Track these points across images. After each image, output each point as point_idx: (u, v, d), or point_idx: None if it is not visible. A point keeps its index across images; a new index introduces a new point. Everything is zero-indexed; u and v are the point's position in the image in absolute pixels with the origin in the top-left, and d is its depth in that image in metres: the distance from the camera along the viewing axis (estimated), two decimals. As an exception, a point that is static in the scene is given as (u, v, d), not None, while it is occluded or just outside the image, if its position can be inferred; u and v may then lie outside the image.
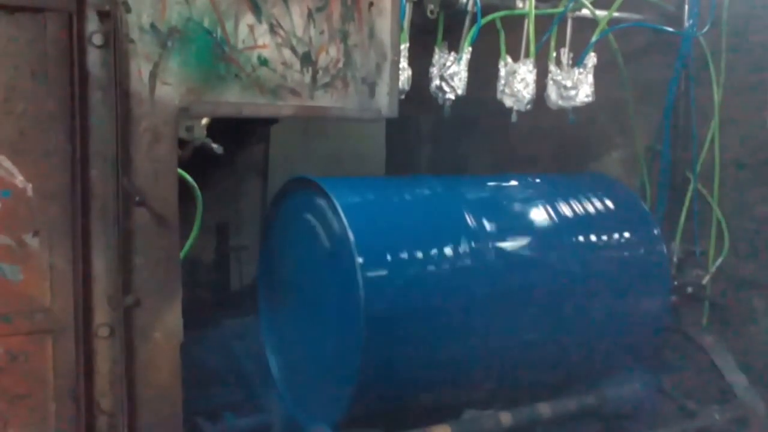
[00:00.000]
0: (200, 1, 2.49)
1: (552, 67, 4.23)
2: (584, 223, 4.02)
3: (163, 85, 2.45)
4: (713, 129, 4.38)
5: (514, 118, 4.19)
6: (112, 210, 2.37)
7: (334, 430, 3.44)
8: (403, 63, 3.81)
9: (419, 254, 3.52)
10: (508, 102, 4.17)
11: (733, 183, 4.36)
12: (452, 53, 4.06)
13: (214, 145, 3.12)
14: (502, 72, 4.17)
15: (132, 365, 2.48)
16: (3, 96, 2.21)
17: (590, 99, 4.21)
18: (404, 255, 3.49)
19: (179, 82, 2.48)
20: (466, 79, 4.03)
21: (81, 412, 2.39)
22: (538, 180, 4.27)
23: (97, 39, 2.30)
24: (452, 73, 4.01)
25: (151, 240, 2.48)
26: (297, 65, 2.72)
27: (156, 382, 2.54)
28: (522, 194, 4.16)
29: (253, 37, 2.61)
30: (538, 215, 3.96)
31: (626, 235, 4.10)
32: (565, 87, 4.20)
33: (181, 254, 2.66)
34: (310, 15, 2.72)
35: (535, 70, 4.11)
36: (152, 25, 2.40)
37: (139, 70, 2.40)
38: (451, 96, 4.04)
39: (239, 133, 4.94)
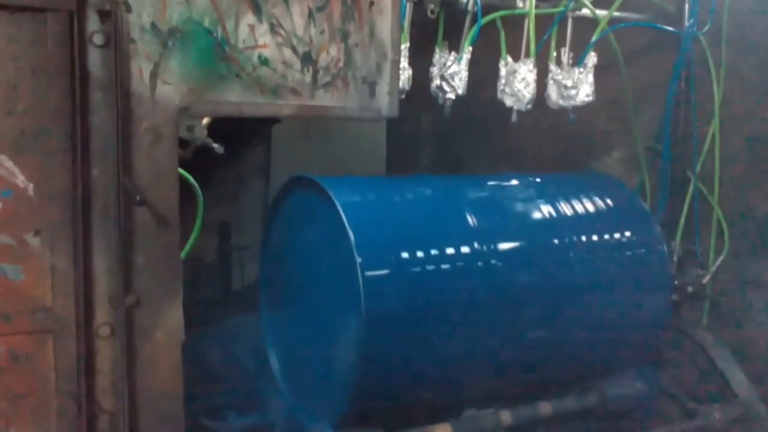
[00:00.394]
0: (201, 1, 2.49)
1: (552, 67, 4.23)
2: (585, 222, 4.02)
3: (163, 84, 2.45)
4: (713, 128, 4.38)
5: (514, 117, 4.19)
6: (113, 210, 2.38)
7: (335, 429, 3.45)
8: (404, 63, 3.81)
9: (419, 253, 3.52)
10: (509, 101, 4.17)
11: (733, 182, 4.36)
12: (453, 53, 4.06)
13: (215, 145, 3.13)
14: (503, 71, 4.18)
15: (133, 364, 2.49)
16: (4, 96, 2.22)
17: (590, 98, 4.21)
18: (404, 254, 3.49)
19: (180, 81, 2.48)
20: (466, 79, 4.03)
21: (82, 411, 2.39)
22: (538, 179, 4.27)
23: (98, 39, 2.31)
24: (453, 72, 4.01)
25: (152, 239, 2.49)
26: (297, 65, 2.72)
27: (157, 381, 2.55)
28: (522, 194, 4.16)
29: (253, 36, 2.61)
30: (539, 215, 3.96)
31: (627, 234, 4.10)
32: (565, 86, 4.20)
33: (182, 254, 2.67)
34: (310, 14, 2.73)
35: (535, 70, 4.11)
36: (153, 25, 2.41)
37: (140, 69, 2.41)
38: (451, 96, 4.04)
39: (240, 132, 4.94)
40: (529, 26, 4.08)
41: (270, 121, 5.11)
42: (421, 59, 4.06)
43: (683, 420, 4.06)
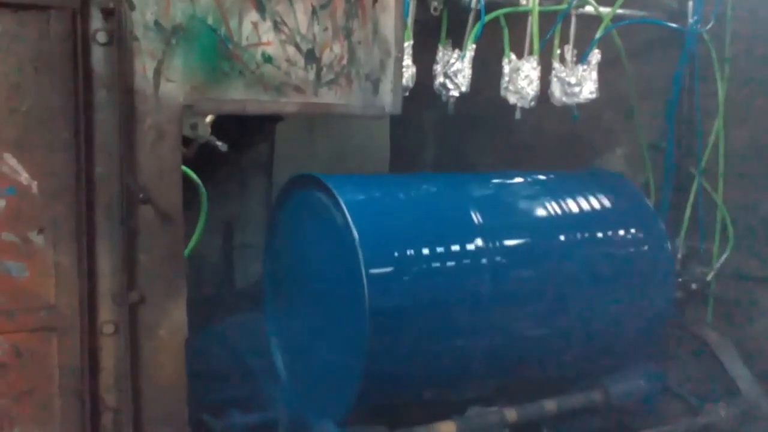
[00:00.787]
0: (204, -1, 2.49)
1: (556, 64, 4.22)
2: (589, 219, 4.02)
3: (167, 82, 2.45)
4: (717, 125, 4.38)
5: (518, 115, 4.20)
6: (117, 207, 2.38)
7: (339, 427, 3.45)
8: (407, 60, 3.81)
9: (423, 251, 3.52)
10: (512, 99, 4.16)
11: (737, 179, 4.35)
12: (456, 50, 4.06)
13: (219, 143, 3.12)
14: (506, 69, 4.17)
15: (137, 362, 2.49)
16: (7, 94, 2.22)
17: (594, 96, 4.20)
18: (408, 252, 3.49)
19: (183, 79, 2.48)
20: (469, 76, 4.03)
21: (86, 408, 2.39)
22: (542, 177, 4.26)
23: (102, 36, 2.31)
24: (456, 70, 4.01)
25: (156, 237, 2.48)
26: (301, 62, 2.72)
27: (161, 378, 2.55)
28: (526, 191, 4.16)
29: (257, 34, 2.61)
30: (543, 212, 3.95)
31: (631, 231, 4.10)
32: (569, 84, 4.19)
33: (186, 251, 2.67)
34: (314, 12, 2.72)
35: (539, 67, 4.10)
36: (156, 23, 2.41)
37: (144, 67, 2.41)
38: (455, 93, 4.05)
39: (244, 130, 4.95)
40: (533, 23, 4.08)
41: (273, 119, 5.11)
42: (424, 57, 4.05)
43: (688, 417, 4.06)
